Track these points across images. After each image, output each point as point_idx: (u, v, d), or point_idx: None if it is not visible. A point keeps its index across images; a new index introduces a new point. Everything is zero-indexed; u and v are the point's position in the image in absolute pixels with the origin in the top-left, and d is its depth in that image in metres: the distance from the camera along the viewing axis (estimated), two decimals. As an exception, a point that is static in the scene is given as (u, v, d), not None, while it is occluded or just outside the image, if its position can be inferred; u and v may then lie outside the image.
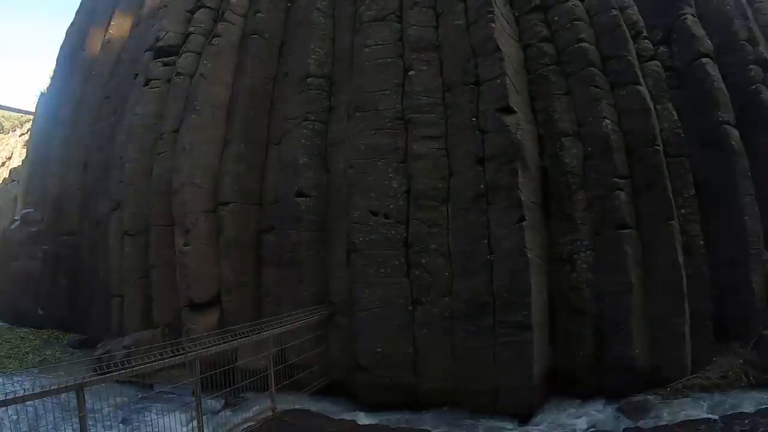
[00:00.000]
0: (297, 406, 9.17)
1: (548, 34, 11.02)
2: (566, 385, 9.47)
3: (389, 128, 10.50)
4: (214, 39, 13.20)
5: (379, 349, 9.62)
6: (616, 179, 9.67)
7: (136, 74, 14.94)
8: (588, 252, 9.63)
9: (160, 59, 14.11)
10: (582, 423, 8.51)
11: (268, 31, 13.22)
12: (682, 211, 9.98)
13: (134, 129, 13.86)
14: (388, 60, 11.04)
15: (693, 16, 11.96)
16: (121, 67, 17.04)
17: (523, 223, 9.10)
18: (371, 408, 9.52)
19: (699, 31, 11.72)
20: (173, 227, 12.22)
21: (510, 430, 8.46)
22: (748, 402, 8.46)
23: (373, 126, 10.53)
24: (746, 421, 7.41)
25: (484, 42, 10.27)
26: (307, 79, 11.80)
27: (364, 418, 9.06)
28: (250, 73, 12.76)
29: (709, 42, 11.70)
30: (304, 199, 11.03)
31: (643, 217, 9.71)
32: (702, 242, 9.98)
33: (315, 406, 9.57)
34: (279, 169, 11.71)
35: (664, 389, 8.98)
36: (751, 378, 9.07)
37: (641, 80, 10.50)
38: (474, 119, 10.02)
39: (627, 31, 11.01)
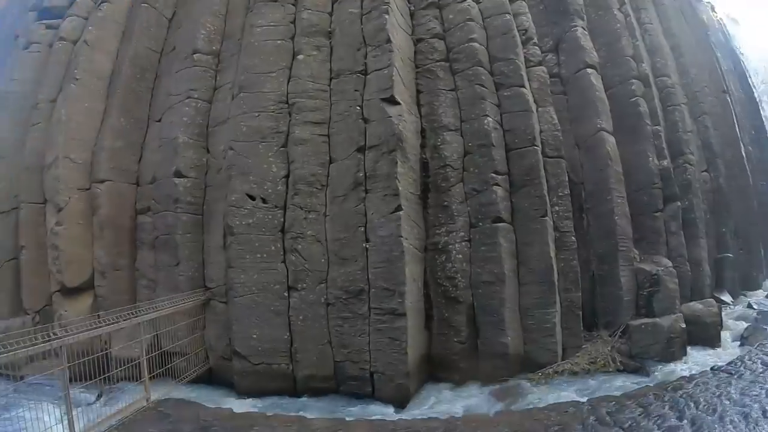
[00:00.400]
0: (172, 395, 8.76)
1: (441, 31, 11.14)
2: (443, 371, 9.69)
3: (273, 111, 10.21)
4: (102, 4, 12.43)
5: (255, 336, 9.41)
6: (493, 174, 9.90)
7: (17, 36, 13.82)
8: (463, 243, 9.80)
9: (43, 21, 13.14)
10: (457, 407, 8.62)
11: (160, 1, 12.58)
12: (556, 208, 10.32)
13: (9, 96, 12.76)
14: (278, 42, 10.75)
15: (583, 29, 12.45)
16: (1, 27, 15.65)
17: (400, 213, 9.10)
18: (248, 395, 9.31)
19: (587, 43, 12.22)
20: (45, 205, 11.38)
21: (386, 415, 8.38)
22: (615, 385, 8.97)
23: (257, 108, 10.20)
24: (612, 404, 7.64)
25: (377, 32, 10.24)
26: (194, 55, 11.32)
27: (240, 406, 8.76)
28: (136, 43, 12.07)
29: (596, 54, 12.25)
30: (182, 179, 10.54)
31: (519, 212, 9.99)
32: (573, 238, 10.36)
33: (191, 394, 9.22)
34: (158, 147, 11.15)
35: (536, 374, 9.37)
36: (618, 363, 9.65)
37: (526, 83, 10.79)
38: (358, 108, 9.95)
39: (518, 36, 11.31)
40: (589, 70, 11.78)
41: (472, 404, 8.76)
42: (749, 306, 13.76)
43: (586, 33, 12.47)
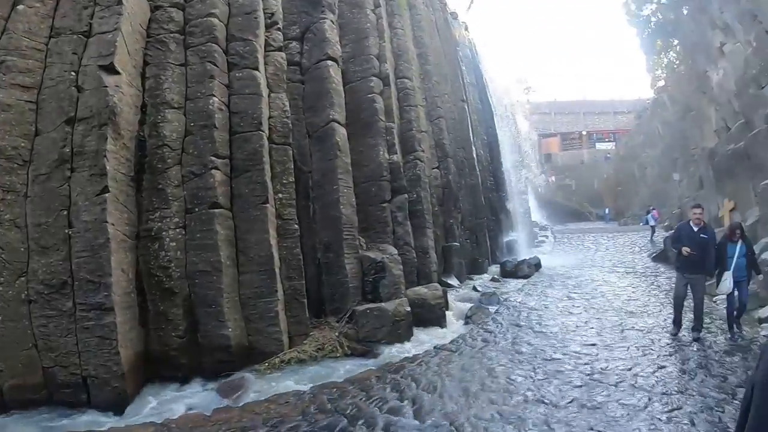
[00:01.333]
0: None
1: (182, 1, 10.52)
2: (165, 369, 8.91)
3: (-21, 69, 8.68)
4: None
5: (-53, 343, 7.76)
6: (213, 158, 9.52)
7: None
8: (178, 230, 9.24)
9: None
10: (180, 407, 7.96)
11: None
12: (280, 195, 10.34)
13: None
14: (2, -11, 9.17)
15: (332, 22, 12.95)
16: None
17: (106, 195, 8.27)
18: (-53, 418, 7.62)
19: (333, 36, 12.73)
20: None
21: (99, 425, 7.45)
22: (341, 371, 8.94)
23: (-41, 64, 8.59)
24: (334, 390, 7.69)
25: (109, -9, 9.31)
26: None
27: (-59, 430, 7.22)
28: None
29: (340, 48, 12.86)
30: None
31: (239, 198, 9.74)
32: (296, 226, 10.41)
33: None
34: None
35: (262, 365, 9.07)
36: (346, 348, 9.82)
37: (261, 67, 10.67)
38: (74, 74, 8.94)
39: (262, 19, 11.14)
40: (330, 62, 12.24)
41: (195, 402, 8.15)
42: (474, 288, 15.72)
43: (335, 27, 13.00)
